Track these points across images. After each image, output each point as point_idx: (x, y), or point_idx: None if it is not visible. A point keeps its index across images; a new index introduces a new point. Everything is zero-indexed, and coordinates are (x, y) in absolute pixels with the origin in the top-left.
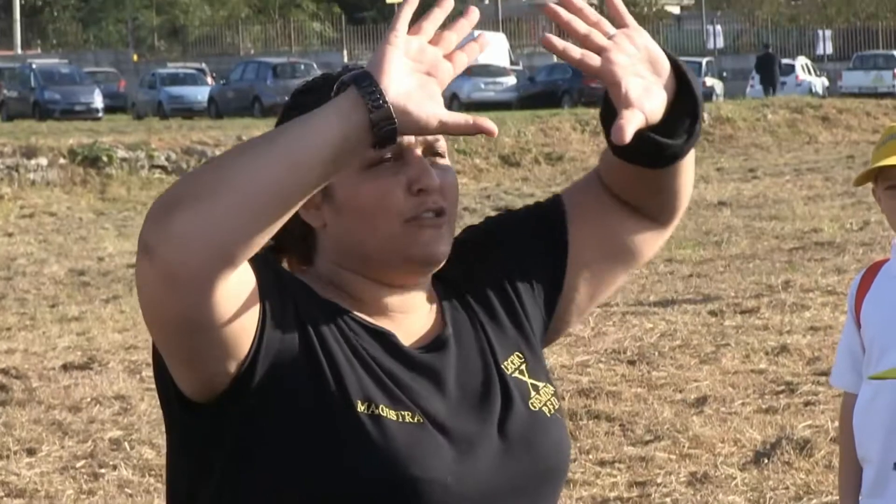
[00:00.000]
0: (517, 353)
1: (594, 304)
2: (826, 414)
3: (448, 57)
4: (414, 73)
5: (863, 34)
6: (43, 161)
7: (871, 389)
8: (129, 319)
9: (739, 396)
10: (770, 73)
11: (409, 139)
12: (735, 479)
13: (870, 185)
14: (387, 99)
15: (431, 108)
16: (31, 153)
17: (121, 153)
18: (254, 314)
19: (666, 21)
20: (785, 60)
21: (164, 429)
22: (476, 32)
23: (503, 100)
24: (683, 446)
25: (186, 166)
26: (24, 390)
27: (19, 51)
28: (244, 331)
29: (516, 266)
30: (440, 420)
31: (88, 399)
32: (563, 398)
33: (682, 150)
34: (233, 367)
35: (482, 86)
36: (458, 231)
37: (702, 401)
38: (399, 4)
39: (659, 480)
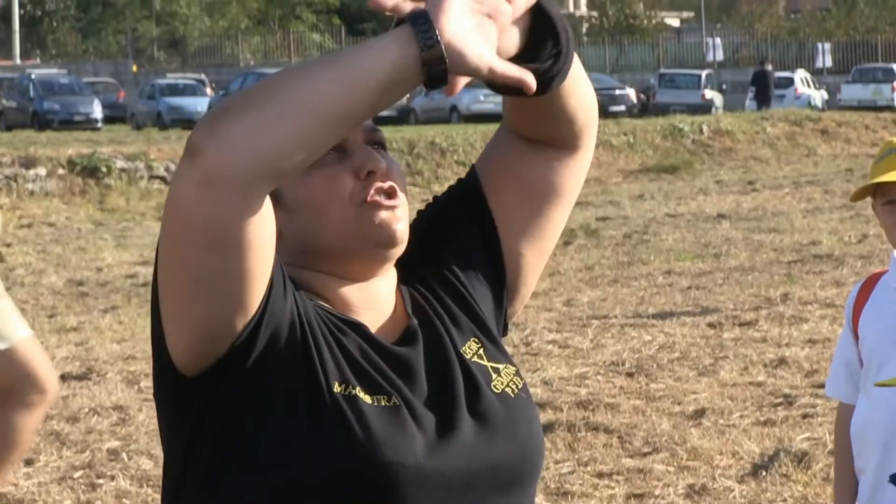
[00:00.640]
0: (473, 338)
1: (546, 255)
2: (824, 426)
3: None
4: (474, 13)
5: (862, 47)
6: (42, 171)
7: (870, 401)
8: (128, 330)
9: (738, 409)
10: (764, 88)
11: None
12: (733, 491)
13: (868, 198)
14: (441, 39)
15: (486, 53)
16: (29, 163)
17: (120, 164)
18: (269, 264)
19: (665, 34)
20: (784, 73)
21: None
22: None
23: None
24: (681, 458)
25: None
26: None
27: (18, 61)
28: (260, 276)
29: (450, 252)
30: (414, 405)
31: (86, 409)
32: (562, 410)
33: (555, 72)
34: (239, 324)
35: (481, 98)
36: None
37: (700, 413)
38: None
39: (657, 492)
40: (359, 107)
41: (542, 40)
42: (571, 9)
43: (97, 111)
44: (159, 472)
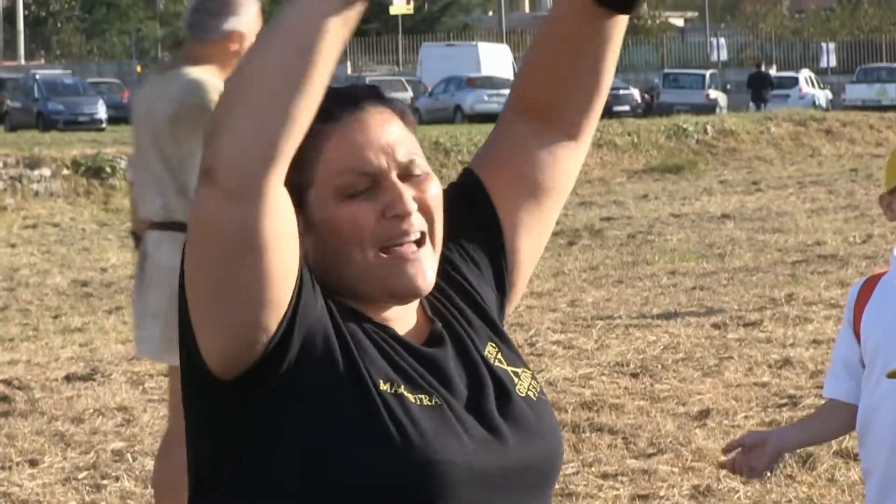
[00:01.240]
0: (490, 342)
1: (539, 253)
2: None
3: None
4: None
5: (866, 47)
6: (46, 172)
7: (873, 399)
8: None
9: (742, 409)
10: (760, 90)
11: (383, 165)
12: (738, 492)
13: (874, 197)
14: None
15: None
16: (34, 164)
17: (124, 164)
18: (296, 260)
19: (670, 33)
20: (788, 73)
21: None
22: (481, 45)
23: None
24: (686, 459)
25: None
26: (27, 401)
27: (23, 62)
28: (289, 272)
29: (458, 256)
30: (453, 405)
31: (91, 410)
32: (566, 411)
33: None
34: (273, 323)
35: (485, 98)
36: None
37: (705, 414)
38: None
39: (662, 493)
40: (319, 49)
41: None
42: None
43: (101, 112)
44: None
